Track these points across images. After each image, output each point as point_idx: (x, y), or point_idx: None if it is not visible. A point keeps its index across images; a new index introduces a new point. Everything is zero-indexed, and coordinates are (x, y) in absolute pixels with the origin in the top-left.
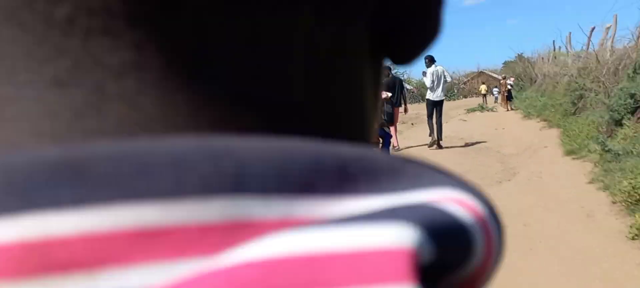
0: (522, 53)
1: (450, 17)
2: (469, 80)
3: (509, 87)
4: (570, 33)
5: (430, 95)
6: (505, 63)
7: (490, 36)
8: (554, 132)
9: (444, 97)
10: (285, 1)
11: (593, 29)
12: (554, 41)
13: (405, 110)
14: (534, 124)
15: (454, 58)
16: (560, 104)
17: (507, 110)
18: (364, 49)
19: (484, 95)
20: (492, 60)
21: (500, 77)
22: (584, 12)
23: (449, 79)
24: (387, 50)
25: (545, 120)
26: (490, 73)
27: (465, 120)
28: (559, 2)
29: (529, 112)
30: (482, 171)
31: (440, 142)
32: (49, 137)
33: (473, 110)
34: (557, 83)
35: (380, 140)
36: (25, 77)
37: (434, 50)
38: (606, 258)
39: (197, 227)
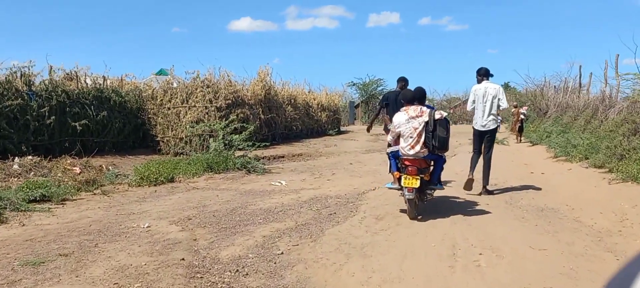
0: (508, 82)
1: (435, 41)
2: (459, 105)
3: (522, 116)
4: (606, 61)
5: (474, 122)
6: None
7: (473, 63)
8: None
9: (495, 126)
10: None
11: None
12: (581, 68)
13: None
14: (587, 172)
15: (440, 82)
16: (616, 146)
17: (518, 141)
18: None
19: None
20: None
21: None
22: (563, 49)
23: (504, 105)
24: None
25: (600, 167)
26: None
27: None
28: (537, 38)
29: (569, 152)
30: (585, 266)
31: (487, 186)
32: None
33: None
34: (577, 116)
35: (430, 163)
36: None
37: (416, 70)
38: None
39: None
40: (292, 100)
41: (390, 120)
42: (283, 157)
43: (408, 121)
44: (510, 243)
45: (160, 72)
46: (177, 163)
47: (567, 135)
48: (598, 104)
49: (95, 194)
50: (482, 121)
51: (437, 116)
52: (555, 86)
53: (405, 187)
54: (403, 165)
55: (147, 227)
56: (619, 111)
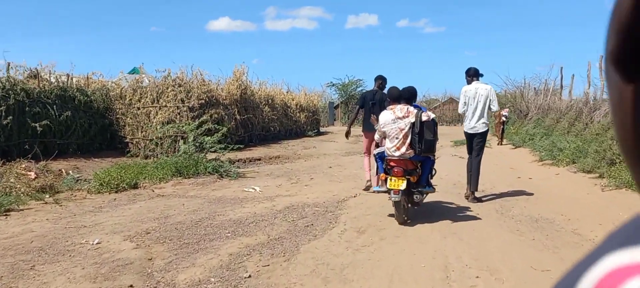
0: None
1: (413, 43)
2: (439, 106)
3: (503, 118)
4: (588, 63)
5: (465, 124)
6: None
7: (450, 65)
8: (633, 198)
9: (486, 129)
10: None
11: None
12: (562, 69)
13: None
14: (576, 178)
15: (419, 83)
16: (605, 151)
17: (500, 143)
18: None
19: None
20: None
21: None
22: (541, 51)
23: (495, 107)
24: None
25: (588, 171)
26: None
27: (462, 157)
28: (515, 40)
29: (555, 156)
30: None
31: (475, 192)
32: None
33: (462, 142)
34: (560, 118)
35: (418, 165)
36: None
37: (395, 72)
38: None
39: None
40: (270, 101)
41: (377, 121)
42: (259, 159)
43: (394, 121)
44: (508, 262)
45: (134, 71)
46: (143, 168)
47: (551, 138)
48: (582, 106)
49: (46, 203)
50: (472, 123)
51: (424, 118)
52: (535, 88)
53: (391, 189)
54: (389, 167)
55: (96, 243)
56: (605, 113)
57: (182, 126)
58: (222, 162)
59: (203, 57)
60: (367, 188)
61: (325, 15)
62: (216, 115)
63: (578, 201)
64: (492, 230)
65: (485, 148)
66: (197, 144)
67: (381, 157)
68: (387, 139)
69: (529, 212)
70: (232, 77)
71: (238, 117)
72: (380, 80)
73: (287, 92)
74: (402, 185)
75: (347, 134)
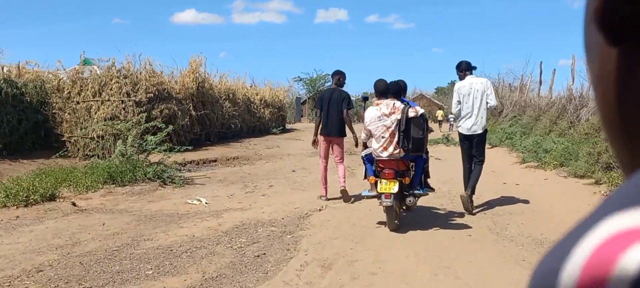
0: (454, 80)
1: (382, 38)
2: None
3: None
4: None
5: (460, 127)
6: (437, 89)
7: (419, 61)
8: None
9: (483, 129)
10: None
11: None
12: (542, 64)
13: (356, 142)
14: (568, 183)
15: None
16: (599, 153)
17: None
18: None
19: (440, 122)
20: (425, 84)
21: (440, 103)
22: (511, 49)
23: (492, 102)
24: None
25: (581, 177)
26: (430, 97)
27: (439, 158)
28: (482, 38)
29: (541, 158)
30: None
31: (472, 201)
32: None
33: (436, 141)
34: (539, 116)
35: (411, 164)
36: None
37: (364, 67)
38: None
39: None
40: (231, 95)
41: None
42: (215, 161)
43: (379, 118)
44: None
45: (85, 63)
46: (69, 173)
47: (533, 137)
48: (565, 102)
49: None
50: (469, 124)
51: (411, 113)
52: (510, 84)
53: (383, 193)
54: (378, 169)
55: None
56: (594, 111)
57: (118, 124)
58: (165, 166)
59: (168, 50)
60: (324, 198)
61: (295, 9)
62: (167, 111)
63: (580, 215)
64: (492, 260)
65: (456, 146)
66: (137, 145)
67: (369, 159)
68: (373, 139)
69: (528, 231)
70: (188, 68)
71: (193, 112)
72: (338, 76)
73: (251, 86)
74: (394, 188)
75: (314, 143)
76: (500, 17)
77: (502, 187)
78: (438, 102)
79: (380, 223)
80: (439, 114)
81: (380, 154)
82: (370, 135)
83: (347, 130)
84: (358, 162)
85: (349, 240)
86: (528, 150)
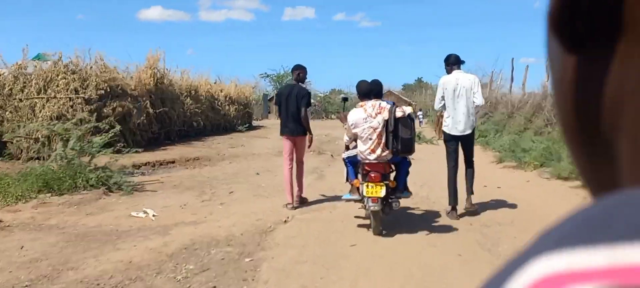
0: (420, 77)
1: (349, 36)
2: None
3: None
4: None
5: (446, 125)
6: (404, 86)
7: (386, 58)
8: None
9: (472, 129)
10: None
11: None
12: (514, 61)
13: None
14: (553, 186)
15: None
16: None
17: (440, 138)
18: None
19: None
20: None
21: (408, 100)
22: (475, 48)
23: (479, 101)
24: None
25: (565, 179)
26: (398, 94)
27: (413, 158)
28: (448, 35)
29: (520, 159)
30: None
31: (456, 207)
32: None
33: None
34: (512, 114)
35: (392, 167)
36: None
37: (332, 64)
38: None
39: None
40: (193, 92)
41: (346, 119)
42: (173, 162)
43: (366, 120)
44: None
45: (38, 58)
46: None
47: (509, 136)
48: (540, 99)
49: None
50: (458, 123)
51: (398, 113)
52: (479, 80)
53: (369, 197)
54: (364, 172)
55: None
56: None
57: (56, 124)
58: (111, 171)
59: (134, 46)
60: (291, 207)
61: (262, 6)
62: (121, 109)
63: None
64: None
65: (433, 146)
66: (79, 147)
67: (352, 162)
68: (359, 141)
69: (523, 245)
70: (145, 63)
71: (151, 110)
72: (298, 71)
73: (215, 83)
74: (382, 192)
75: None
76: (467, 14)
77: (484, 191)
78: (406, 99)
79: (360, 226)
80: (407, 108)
81: (368, 156)
82: (354, 137)
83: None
84: (327, 163)
85: (319, 264)
86: (505, 149)
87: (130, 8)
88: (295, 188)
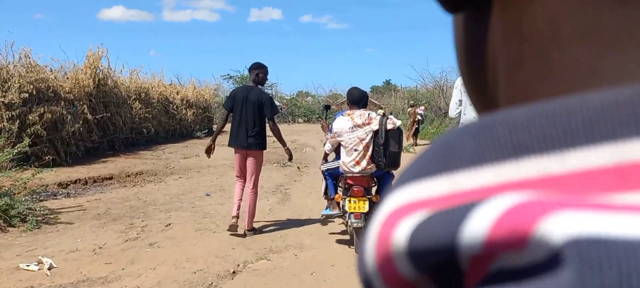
0: (389, 80)
1: (316, 38)
2: (343, 102)
3: (419, 117)
4: None
5: None
6: (372, 88)
7: (353, 60)
8: None
9: None
10: None
11: None
12: None
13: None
14: None
15: (324, 78)
16: None
17: (414, 145)
18: None
19: None
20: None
21: (379, 103)
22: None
23: None
24: None
25: None
26: (368, 98)
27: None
28: (413, 39)
29: None
30: None
31: None
32: None
33: None
34: None
35: (374, 181)
36: None
37: (299, 66)
38: None
39: None
40: (143, 95)
41: (328, 128)
42: (110, 178)
43: (352, 129)
44: None
45: None
46: None
47: None
48: None
49: None
50: None
51: (389, 125)
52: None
53: (352, 213)
54: (345, 185)
55: None
56: None
57: None
58: (12, 199)
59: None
60: (232, 229)
61: (228, 7)
62: (51, 115)
63: None
64: None
65: (408, 154)
66: None
67: (332, 174)
68: (343, 151)
69: None
70: (84, 62)
71: (90, 116)
72: (258, 71)
73: (170, 84)
74: (365, 207)
75: (209, 150)
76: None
77: None
78: (375, 102)
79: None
80: (380, 113)
81: (352, 169)
82: (336, 146)
83: (276, 142)
84: (293, 177)
85: None
86: None
87: (91, 7)
88: (247, 220)
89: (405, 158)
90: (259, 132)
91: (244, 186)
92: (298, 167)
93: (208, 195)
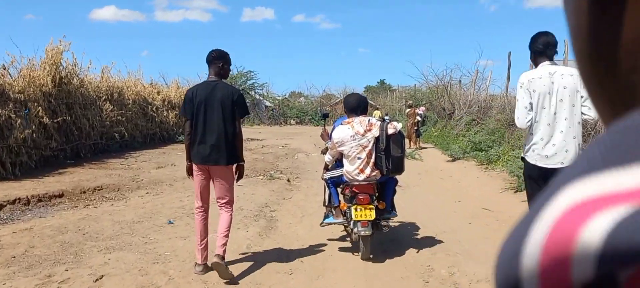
0: (383, 79)
1: (309, 38)
2: (339, 103)
3: (418, 118)
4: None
5: (530, 151)
6: (366, 88)
7: (346, 60)
8: None
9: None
10: None
11: None
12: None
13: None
14: None
15: (317, 78)
16: None
17: (416, 147)
18: None
19: None
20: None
21: (374, 104)
22: (437, 51)
23: (592, 113)
24: None
25: None
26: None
27: (400, 185)
28: (405, 39)
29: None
30: None
31: None
32: None
33: None
34: (499, 118)
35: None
36: None
37: (292, 66)
38: None
39: None
40: (116, 95)
41: (328, 136)
42: (61, 196)
43: (353, 138)
44: None
45: None
46: None
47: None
48: None
49: None
50: (553, 147)
51: (390, 130)
52: (461, 80)
53: (359, 221)
54: (351, 194)
55: None
56: None
57: None
58: None
59: (86, 47)
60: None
61: (220, 7)
62: None
63: None
64: None
65: (416, 162)
66: None
67: (335, 183)
68: (346, 160)
69: None
70: (41, 58)
71: (47, 120)
72: (221, 62)
73: (150, 84)
74: (372, 215)
75: (190, 171)
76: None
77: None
78: (372, 102)
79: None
80: (376, 115)
81: (357, 177)
82: (338, 156)
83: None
84: (281, 194)
85: None
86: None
87: (83, 8)
88: (218, 246)
89: (411, 164)
90: (229, 141)
91: (205, 219)
92: (288, 180)
93: (171, 222)
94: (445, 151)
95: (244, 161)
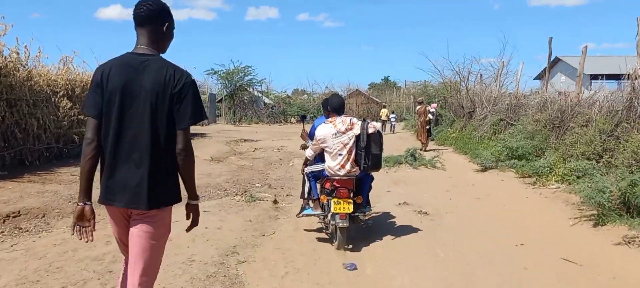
0: (388, 77)
1: (313, 36)
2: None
3: (430, 116)
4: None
5: None
6: (371, 85)
7: (349, 58)
8: None
9: None
10: None
11: None
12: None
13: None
14: None
15: (320, 76)
16: None
17: (424, 150)
18: None
19: (384, 122)
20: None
21: (380, 101)
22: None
23: None
24: None
25: None
26: (368, 94)
27: (427, 214)
28: (409, 36)
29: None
30: None
31: None
32: None
33: (397, 160)
34: (564, 119)
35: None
36: None
37: (296, 64)
38: None
39: None
40: (77, 90)
41: (308, 136)
42: None
43: (335, 135)
44: None
45: None
46: None
47: (580, 161)
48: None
49: None
50: None
51: (370, 130)
52: (481, 75)
53: (337, 213)
54: (331, 188)
55: None
56: None
57: None
58: None
59: (93, 45)
60: None
61: (225, 6)
62: None
63: None
64: None
65: (436, 171)
66: None
67: (316, 177)
68: (327, 156)
69: None
70: None
71: None
72: (160, 24)
73: None
74: (350, 208)
75: (80, 217)
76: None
77: None
78: (376, 99)
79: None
80: (384, 113)
81: (338, 172)
82: (318, 152)
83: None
84: (262, 228)
85: None
86: (591, 194)
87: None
88: None
89: (434, 175)
90: (162, 165)
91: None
92: (274, 201)
93: (111, 272)
94: (472, 158)
95: (197, 199)
